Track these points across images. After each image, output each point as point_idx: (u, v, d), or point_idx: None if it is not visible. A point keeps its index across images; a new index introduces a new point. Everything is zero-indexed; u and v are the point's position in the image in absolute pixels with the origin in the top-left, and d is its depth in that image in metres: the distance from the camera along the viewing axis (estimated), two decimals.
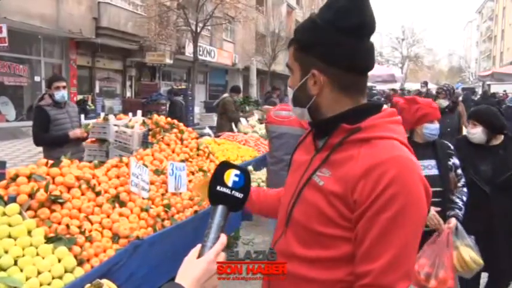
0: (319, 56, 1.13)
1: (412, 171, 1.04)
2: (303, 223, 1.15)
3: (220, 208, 1.09)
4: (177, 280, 0.99)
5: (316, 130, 1.23)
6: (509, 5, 51.16)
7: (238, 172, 1.12)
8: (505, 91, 21.21)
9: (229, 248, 4.71)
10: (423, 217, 1.06)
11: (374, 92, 14.26)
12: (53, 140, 4.59)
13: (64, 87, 4.69)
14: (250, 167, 5.45)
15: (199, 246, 1.05)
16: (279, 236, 1.25)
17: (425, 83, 9.58)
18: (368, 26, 1.12)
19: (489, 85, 22.49)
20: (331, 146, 1.14)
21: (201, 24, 16.27)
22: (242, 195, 1.11)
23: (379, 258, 1.01)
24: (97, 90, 16.71)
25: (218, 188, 1.10)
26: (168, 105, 10.19)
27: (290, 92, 1.24)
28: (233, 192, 1.10)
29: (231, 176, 1.11)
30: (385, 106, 1.24)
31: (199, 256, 1.02)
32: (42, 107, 4.54)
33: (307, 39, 1.15)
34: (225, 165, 1.14)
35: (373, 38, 1.18)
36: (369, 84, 20.11)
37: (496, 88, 23.32)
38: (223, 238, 1.04)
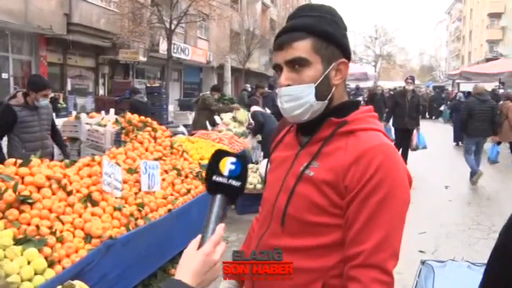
0: (343, 48, 1.22)
1: (396, 159, 1.13)
2: (295, 216, 1.18)
3: (218, 198, 1.06)
4: (177, 274, 0.99)
5: (302, 126, 1.26)
6: (476, 6, 52.61)
7: (234, 160, 1.08)
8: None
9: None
10: (407, 200, 1.13)
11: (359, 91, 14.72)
12: None
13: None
14: None
15: (199, 237, 1.04)
16: (264, 232, 1.27)
17: (412, 78, 9.68)
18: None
19: (458, 83, 23.09)
20: (319, 139, 1.20)
21: (175, 22, 16.11)
22: (239, 183, 1.07)
23: (370, 239, 1.07)
24: (69, 88, 16.33)
25: (214, 177, 1.07)
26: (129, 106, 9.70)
27: (308, 88, 1.18)
28: (230, 181, 1.06)
29: (226, 164, 1.07)
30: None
31: (199, 248, 1.02)
32: (11, 107, 4.31)
33: (334, 31, 1.20)
34: (220, 154, 1.10)
35: (348, 35, 1.29)
36: None
37: (465, 87, 23.94)
38: (220, 228, 1.03)
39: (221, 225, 1.04)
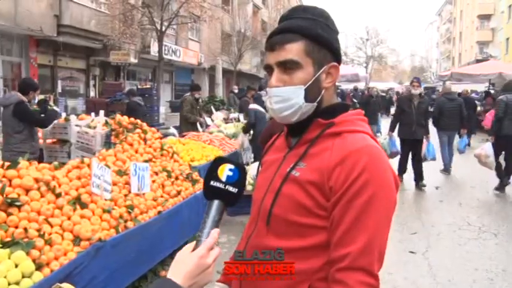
0: (335, 51, 1.23)
1: (382, 160, 1.12)
2: (280, 216, 1.17)
3: (215, 203, 1.09)
4: (169, 275, 0.99)
5: (291, 128, 1.27)
6: (466, 8, 53.08)
7: (232, 167, 1.11)
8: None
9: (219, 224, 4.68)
10: (393, 202, 1.12)
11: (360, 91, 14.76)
12: (49, 119, 5.05)
13: None
14: None
15: (194, 242, 1.05)
16: (251, 232, 1.27)
17: (418, 80, 8.22)
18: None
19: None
20: (307, 141, 1.20)
21: (166, 23, 16.06)
22: (236, 189, 1.10)
23: (356, 242, 1.06)
24: (59, 89, 16.22)
25: (212, 182, 1.10)
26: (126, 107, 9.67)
27: (297, 90, 1.19)
28: (227, 186, 1.09)
29: (225, 171, 1.11)
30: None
31: (193, 250, 1.02)
32: (25, 102, 5.07)
33: (327, 35, 1.21)
34: (219, 160, 1.14)
35: (339, 38, 1.29)
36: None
37: (455, 87, 24.15)
38: (215, 233, 1.04)
39: (216, 230, 1.05)
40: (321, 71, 1.19)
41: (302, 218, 1.14)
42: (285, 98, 1.19)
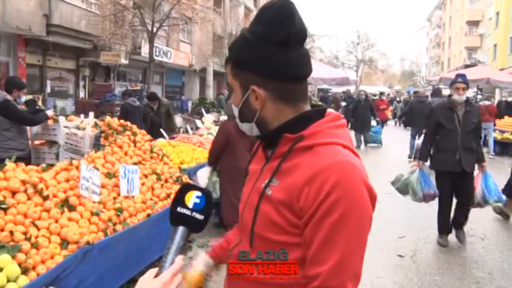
0: (256, 72, 1.14)
1: (353, 176, 1.07)
2: (259, 234, 1.17)
3: (180, 229, 1.09)
4: None
5: (264, 142, 1.26)
6: (455, 14, 53.68)
7: (199, 194, 1.12)
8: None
9: (184, 251, 4.67)
10: (368, 218, 1.09)
11: (362, 93, 14.15)
12: (37, 119, 4.99)
13: None
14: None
15: (157, 268, 1.04)
16: (238, 242, 1.28)
17: (464, 79, 6.86)
18: (298, 34, 1.14)
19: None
20: (279, 155, 1.17)
21: (157, 25, 16.01)
22: (203, 217, 1.10)
23: (327, 261, 1.04)
24: (48, 90, 16.06)
25: (179, 209, 1.10)
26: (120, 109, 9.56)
27: (235, 109, 1.23)
28: (193, 213, 1.10)
29: (192, 198, 1.11)
30: (329, 110, 1.26)
31: (156, 277, 1.01)
32: (11, 101, 4.97)
33: (242, 56, 1.17)
34: (186, 187, 1.14)
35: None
36: (325, 87, 20.53)
37: (444, 92, 24.39)
38: (179, 259, 1.04)
39: (180, 257, 1.05)
40: (248, 92, 1.17)
41: (276, 235, 1.13)
42: (237, 116, 1.25)
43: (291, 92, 1.17)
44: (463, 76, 5.14)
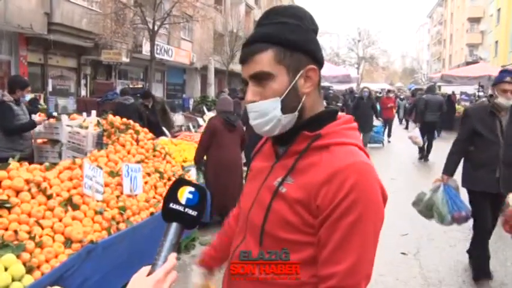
0: (309, 52, 1.15)
1: (370, 177, 1.08)
2: (269, 232, 1.15)
3: (173, 226, 1.05)
4: None
5: (277, 137, 1.21)
6: (456, 11, 53.54)
7: (192, 189, 1.08)
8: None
9: (187, 249, 4.68)
10: (381, 220, 1.10)
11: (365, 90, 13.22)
12: (21, 128, 4.80)
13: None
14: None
15: (149, 266, 1.02)
16: (238, 243, 1.25)
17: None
18: (318, 29, 1.21)
19: (439, 86, 23.44)
20: (294, 153, 1.15)
21: (158, 23, 15.99)
22: (196, 213, 1.07)
23: (343, 261, 1.05)
24: (50, 88, 16.05)
25: (171, 205, 1.07)
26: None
27: (275, 102, 1.13)
28: (186, 209, 1.06)
29: (185, 193, 1.07)
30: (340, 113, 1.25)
31: (149, 275, 0.99)
32: (7, 103, 4.76)
33: (297, 37, 1.13)
34: (179, 182, 1.10)
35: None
36: (326, 84, 20.46)
37: (445, 89, 24.34)
38: (172, 257, 1.02)
39: (174, 255, 1.03)
40: (298, 76, 1.13)
41: (288, 234, 1.12)
42: (262, 113, 1.14)
43: (320, 79, 1.20)
44: (510, 71, 3.95)
